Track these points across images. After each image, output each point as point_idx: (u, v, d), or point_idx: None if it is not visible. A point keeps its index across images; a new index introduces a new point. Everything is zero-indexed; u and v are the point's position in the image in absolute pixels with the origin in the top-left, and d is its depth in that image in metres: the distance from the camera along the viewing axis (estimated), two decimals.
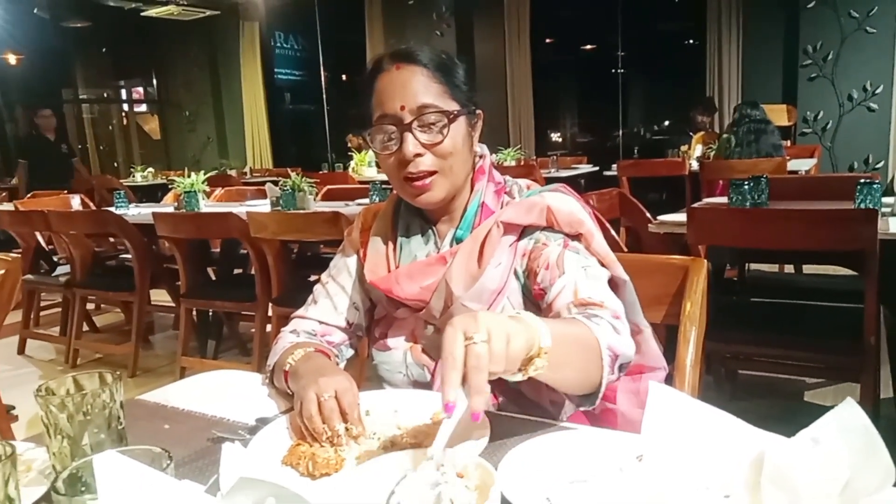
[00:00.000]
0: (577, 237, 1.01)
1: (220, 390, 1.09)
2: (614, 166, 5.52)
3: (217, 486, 0.63)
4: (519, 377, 0.72)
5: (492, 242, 1.00)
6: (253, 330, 3.58)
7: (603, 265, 1.01)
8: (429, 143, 0.98)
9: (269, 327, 3.08)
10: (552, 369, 0.73)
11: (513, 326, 0.68)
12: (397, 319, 1.07)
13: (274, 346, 1.08)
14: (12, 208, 4.30)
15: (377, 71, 1.01)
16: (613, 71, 8.10)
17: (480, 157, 1.08)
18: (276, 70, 10.23)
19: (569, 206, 1.01)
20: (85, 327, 3.95)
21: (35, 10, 8.66)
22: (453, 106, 0.99)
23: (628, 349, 0.88)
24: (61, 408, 0.73)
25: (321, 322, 1.13)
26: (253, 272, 3.18)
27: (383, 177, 5.42)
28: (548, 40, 8.46)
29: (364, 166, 5.97)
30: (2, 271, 1.86)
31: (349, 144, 7.07)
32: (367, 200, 3.66)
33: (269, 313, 3.03)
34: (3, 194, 6.03)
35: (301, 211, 3.31)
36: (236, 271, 3.92)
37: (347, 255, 1.15)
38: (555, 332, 0.73)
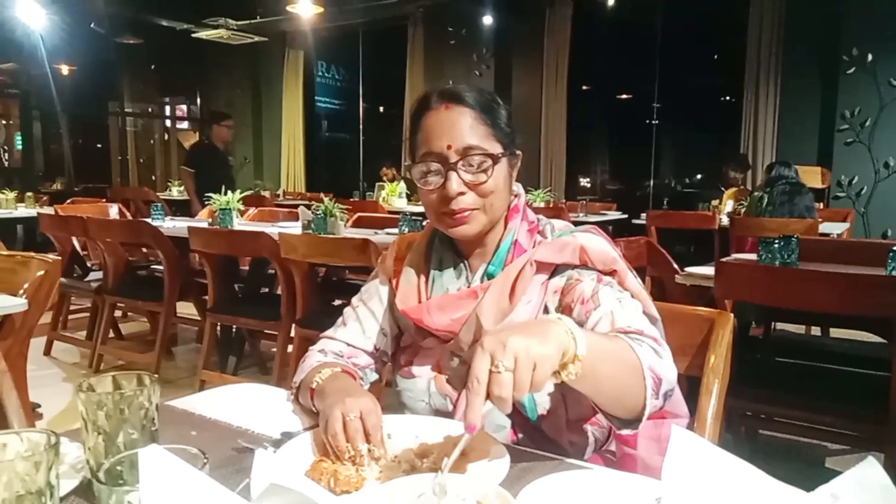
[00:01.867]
0: (610, 274, 1.03)
1: (245, 402, 1.12)
2: (643, 215, 5.52)
3: (247, 491, 0.65)
4: (552, 380, 0.73)
5: (524, 280, 1.02)
6: (274, 349, 3.63)
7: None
8: (472, 183, 1.00)
9: (290, 348, 3.11)
10: (588, 379, 0.74)
11: (541, 348, 0.70)
12: (423, 349, 1.09)
13: (301, 364, 1.11)
14: (53, 212, 4.43)
15: (425, 108, 1.04)
16: (648, 121, 8.15)
17: (515, 195, 1.11)
18: (316, 98, 10.48)
19: (601, 246, 1.03)
20: (111, 334, 4.02)
21: (92, 25, 9.01)
22: (497, 148, 1.02)
23: (671, 374, 0.87)
24: (100, 405, 0.76)
25: (349, 344, 1.15)
26: (279, 292, 3.24)
27: (413, 208, 5.50)
28: (584, 87, 8.56)
29: (395, 197, 6.05)
30: (42, 272, 1.93)
31: (384, 177, 7.18)
32: (396, 230, 3.70)
33: (292, 334, 3.07)
34: (45, 198, 6.21)
35: (331, 236, 3.37)
36: (262, 290, 3.98)
37: (380, 282, 1.18)
38: (592, 342, 0.75)
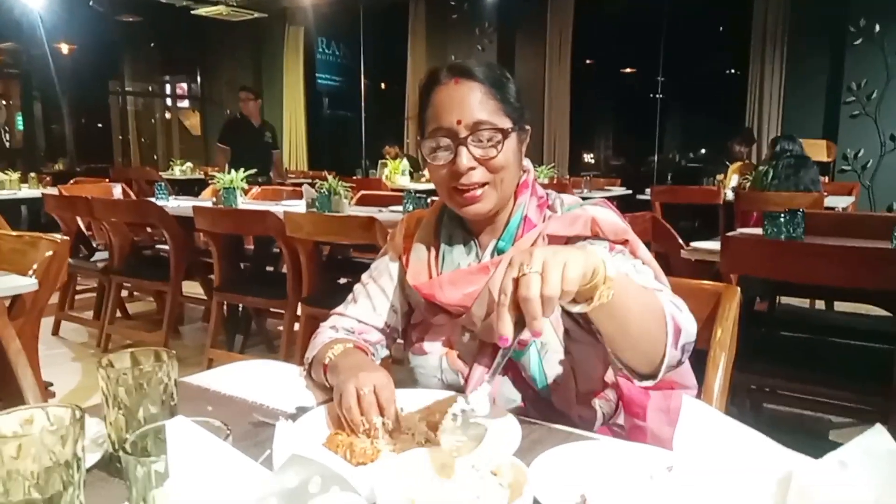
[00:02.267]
0: (622, 244, 1.03)
1: (258, 378, 1.13)
2: (648, 190, 5.51)
3: (269, 463, 0.66)
4: (583, 307, 0.74)
5: None
6: (279, 327, 3.66)
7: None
8: (483, 158, 1.00)
9: (296, 326, 3.13)
10: (616, 311, 0.76)
11: (572, 254, 0.70)
12: (434, 325, 1.10)
13: (313, 341, 1.12)
14: (57, 193, 4.44)
15: (434, 83, 1.04)
16: (652, 96, 8.09)
17: (524, 171, 1.11)
18: (317, 75, 10.40)
19: (612, 217, 1.04)
20: (118, 314, 4.05)
21: (91, 3, 8.94)
22: (507, 123, 1.02)
23: (691, 326, 0.88)
24: (121, 381, 0.78)
25: (360, 321, 1.16)
26: (284, 271, 3.25)
27: (417, 186, 5.50)
28: (588, 61, 8.49)
29: (398, 175, 6.04)
30: (50, 252, 1.94)
31: (386, 155, 7.15)
32: (400, 208, 3.71)
33: (298, 312, 3.09)
34: (48, 179, 6.20)
35: (336, 214, 3.37)
36: (268, 269, 3.99)
37: (390, 259, 1.19)
38: (620, 272, 0.76)
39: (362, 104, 9.80)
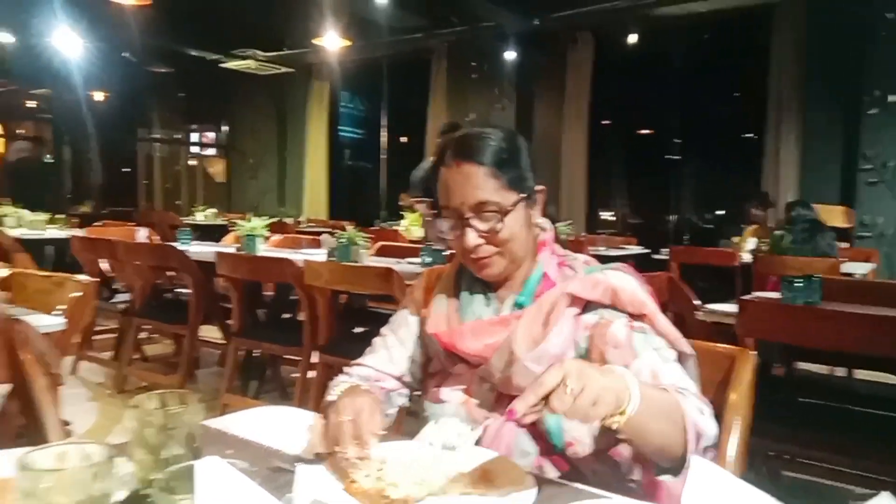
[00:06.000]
0: (640, 317, 1.06)
1: (276, 424, 1.15)
2: (664, 250, 5.52)
3: None
4: (594, 425, 0.83)
5: (557, 311, 1.06)
6: (294, 374, 3.66)
7: (670, 342, 1.05)
8: (488, 233, 1.06)
9: (311, 373, 3.14)
10: (634, 431, 0.83)
11: (605, 394, 0.78)
12: (453, 375, 1.13)
13: (330, 387, 1.15)
14: (84, 235, 4.54)
15: (441, 164, 1.10)
16: (668, 156, 8.18)
17: (543, 230, 1.15)
18: (339, 127, 10.66)
19: (632, 287, 1.07)
20: (135, 355, 4.08)
21: (124, 53, 9.30)
22: (511, 198, 1.06)
23: (712, 431, 0.93)
24: (149, 421, 0.81)
25: (377, 370, 1.19)
26: (301, 318, 3.28)
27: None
28: (605, 121, 8.63)
29: (416, 226, 6.10)
30: (80, 293, 2.00)
31: (401, 203, 7.24)
32: (418, 260, 3.74)
33: (314, 359, 3.10)
34: (76, 220, 6.34)
35: (354, 264, 3.41)
36: (285, 315, 4.02)
37: (409, 312, 1.22)
38: (646, 398, 0.81)
39: (382, 156, 10.00)
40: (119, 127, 11.14)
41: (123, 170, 11.88)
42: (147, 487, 0.79)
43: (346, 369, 1.21)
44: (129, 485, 0.84)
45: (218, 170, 11.84)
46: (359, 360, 1.22)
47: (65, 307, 1.96)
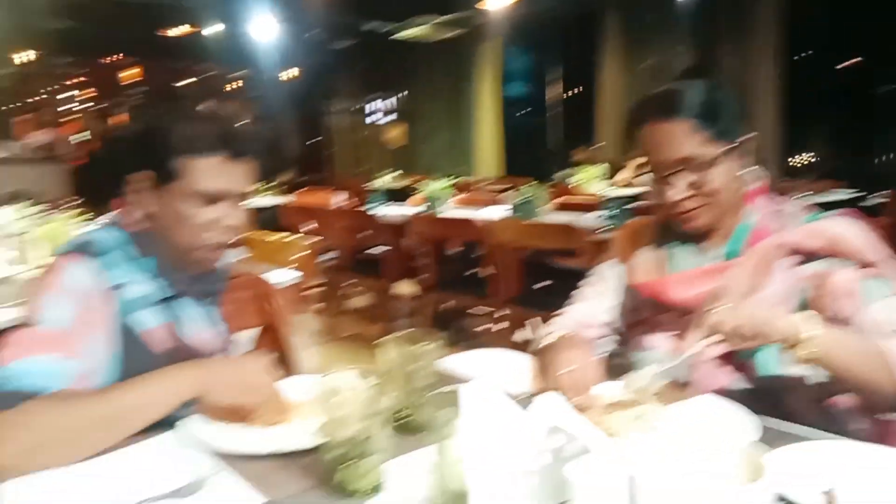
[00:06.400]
0: (867, 266, 1.01)
1: (494, 365, 1.27)
2: (876, 195, 4.95)
3: None
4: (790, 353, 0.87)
5: (771, 261, 1.05)
6: (477, 329, 3.87)
7: None
8: (693, 187, 1.06)
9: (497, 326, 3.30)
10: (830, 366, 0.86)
11: (763, 328, 0.85)
12: (658, 324, 1.16)
13: (536, 334, 1.24)
14: (292, 202, 5.06)
15: (639, 122, 1.10)
16: (877, 89, 7.22)
17: (754, 179, 1.13)
18: (510, 84, 10.69)
19: (856, 234, 1.02)
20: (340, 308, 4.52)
21: (312, 32, 10.01)
22: (714, 150, 1.05)
23: None
24: (400, 358, 0.95)
25: (580, 319, 1.26)
26: (486, 275, 3.44)
27: (617, 192, 5.44)
28: (802, 54, 7.79)
29: (593, 181, 6.03)
30: (307, 252, 2.28)
31: (576, 160, 7.17)
32: (600, 213, 3.73)
33: (500, 313, 3.25)
34: (285, 187, 7.02)
35: (536, 220, 3.49)
36: (471, 272, 4.22)
37: (609, 263, 1.27)
38: (835, 338, 0.84)
39: (554, 110, 9.89)
40: (307, 101, 12.09)
41: (312, 140, 12.89)
42: (404, 410, 0.94)
43: (550, 321, 1.29)
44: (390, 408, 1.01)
45: (397, 135, 12.41)
46: (562, 310, 1.29)
47: (294, 264, 2.26)
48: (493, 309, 3.35)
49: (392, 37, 9.47)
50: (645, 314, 1.20)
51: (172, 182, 1.06)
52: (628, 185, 5.97)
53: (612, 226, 3.10)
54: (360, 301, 5.18)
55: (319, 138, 12.79)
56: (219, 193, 1.07)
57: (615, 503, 0.64)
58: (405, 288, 4.33)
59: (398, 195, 7.36)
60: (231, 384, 0.96)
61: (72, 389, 0.91)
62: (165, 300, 1.10)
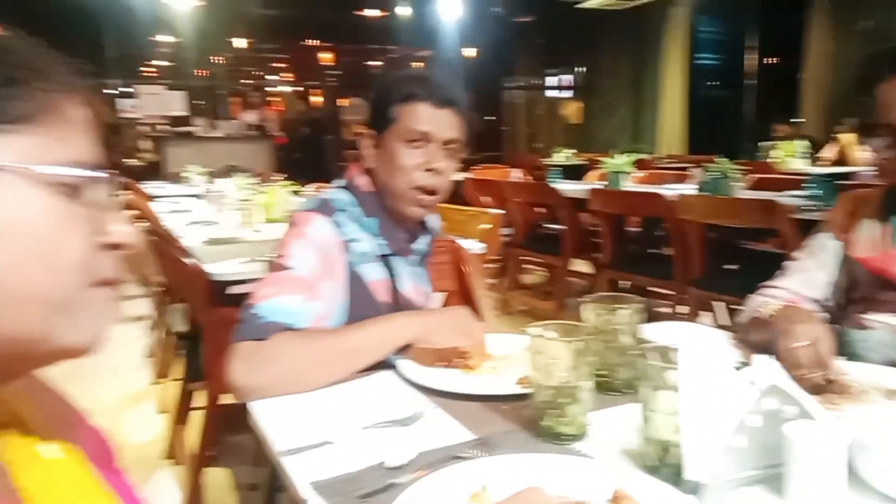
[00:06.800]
0: None
1: (688, 337, 1.26)
2: None
3: None
4: None
5: None
6: (658, 308, 3.75)
7: None
8: None
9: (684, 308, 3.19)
10: None
11: None
12: (881, 301, 1.09)
13: (749, 307, 1.20)
14: (473, 177, 5.22)
15: (878, 79, 1.01)
16: None
17: None
18: (697, 55, 10.06)
19: None
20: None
21: (493, 9, 10.13)
22: None
23: None
24: (610, 320, 0.99)
25: (792, 292, 1.20)
26: (667, 252, 3.33)
27: (816, 169, 4.98)
28: None
29: (792, 157, 5.54)
30: (491, 225, 2.37)
31: (776, 135, 6.61)
32: (799, 193, 3.45)
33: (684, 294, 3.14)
34: (462, 164, 7.26)
35: (729, 197, 3.31)
36: (651, 250, 4.10)
37: (826, 237, 1.20)
38: None
39: (749, 81, 9.16)
40: (486, 78, 12.27)
41: (488, 117, 13.09)
42: (603, 368, 0.98)
43: (758, 292, 1.24)
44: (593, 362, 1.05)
45: (573, 111, 12.22)
46: (769, 283, 1.25)
47: (479, 235, 2.36)
48: (673, 290, 3.24)
49: (577, 4, 9.24)
50: (865, 291, 1.12)
51: (388, 129, 1.22)
52: (835, 163, 5.42)
53: (818, 205, 2.86)
54: (535, 277, 5.25)
55: (495, 116, 12.95)
56: (425, 134, 1.21)
57: (833, 469, 0.64)
58: (581, 265, 4.32)
59: (575, 172, 7.30)
60: (448, 329, 1.07)
61: (314, 328, 1.07)
62: (384, 257, 1.24)
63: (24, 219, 0.43)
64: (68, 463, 0.51)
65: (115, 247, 0.49)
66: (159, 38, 10.37)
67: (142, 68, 10.82)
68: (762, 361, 0.72)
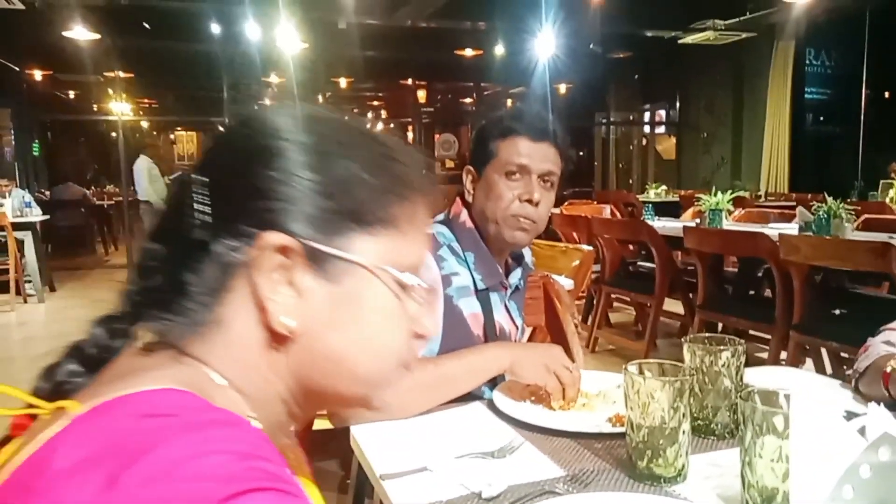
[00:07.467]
0: None
1: (792, 384, 1.21)
2: None
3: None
4: None
5: None
6: (757, 353, 3.57)
7: None
8: None
9: (782, 354, 3.03)
10: None
11: None
12: None
13: (863, 353, 1.13)
14: (560, 213, 5.20)
15: None
16: None
17: None
18: (805, 90, 9.63)
19: None
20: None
21: (591, 45, 10.13)
22: None
23: None
24: (709, 360, 0.97)
25: None
26: (767, 295, 3.18)
27: None
28: None
29: None
30: (577, 262, 2.36)
31: (892, 173, 6.22)
32: None
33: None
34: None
35: (838, 238, 3.14)
36: (750, 292, 3.93)
37: None
38: None
39: (860, 118, 8.68)
40: (579, 114, 12.23)
41: (581, 153, 13.00)
42: (702, 411, 0.96)
43: (880, 336, 1.16)
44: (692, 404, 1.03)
45: (667, 147, 11.97)
46: (892, 326, 1.17)
47: (569, 272, 2.35)
48: (771, 334, 3.09)
49: (679, 41, 9.11)
50: None
51: (488, 164, 1.28)
52: None
53: None
54: (622, 315, 5.12)
55: (587, 151, 12.86)
56: (522, 167, 1.26)
57: None
58: (672, 305, 4.18)
59: (667, 209, 7.13)
60: (539, 365, 1.08)
61: None
62: (480, 291, 1.27)
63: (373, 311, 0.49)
64: (319, 500, 0.56)
65: (420, 336, 0.55)
66: (271, 78, 11.07)
67: (255, 107, 11.53)
68: (876, 410, 0.69)
